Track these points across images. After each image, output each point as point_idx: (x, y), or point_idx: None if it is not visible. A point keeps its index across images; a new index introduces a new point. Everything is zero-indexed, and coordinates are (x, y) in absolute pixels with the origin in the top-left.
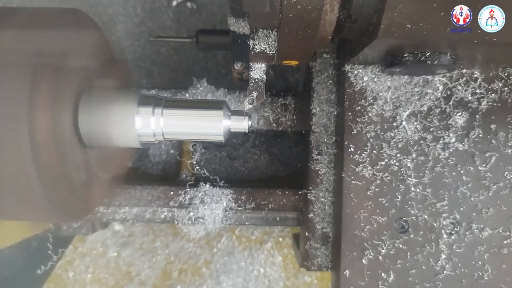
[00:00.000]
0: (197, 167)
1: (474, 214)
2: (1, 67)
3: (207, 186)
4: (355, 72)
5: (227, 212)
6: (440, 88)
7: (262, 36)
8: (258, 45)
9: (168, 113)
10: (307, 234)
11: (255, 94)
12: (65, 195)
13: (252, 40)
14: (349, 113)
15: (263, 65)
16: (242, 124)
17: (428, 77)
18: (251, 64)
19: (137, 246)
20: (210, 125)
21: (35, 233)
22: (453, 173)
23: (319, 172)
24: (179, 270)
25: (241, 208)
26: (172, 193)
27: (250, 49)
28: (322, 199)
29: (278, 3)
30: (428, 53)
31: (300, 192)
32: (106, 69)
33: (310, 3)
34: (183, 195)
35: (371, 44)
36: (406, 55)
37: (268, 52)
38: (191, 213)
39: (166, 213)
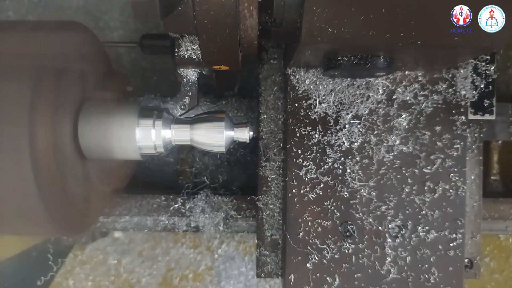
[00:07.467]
0: (196, 175)
1: (419, 217)
2: (2, 81)
3: (207, 194)
4: (297, 75)
5: (227, 220)
6: (381, 91)
7: (187, 42)
8: (183, 50)
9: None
10: (257, 241)
11: (187, 100)
12: (65, 208)
13: (177, 46)
14: (292, 117)
15: (194, 70)
16: (243, 135)
17: (370, 79)
18: (180, 69)
19: (137, 253)
20: (211, 137)
21: (35, 243)
22: (398, 176)
23: (268, 179)
24: (180, 277)
25: (241, 216)
26: (172, 201)
27: (176, 54)
28: (271, 206)
29: (191, 10)
30: (359, 56)
31: (248, 198)
32: (106, 81)
33: (222, 10)
34: (183, 204)
35: (298, 48)
36: (340, 58)
37: (194, 58)
38: (192, 222)
39: (167, 221)
